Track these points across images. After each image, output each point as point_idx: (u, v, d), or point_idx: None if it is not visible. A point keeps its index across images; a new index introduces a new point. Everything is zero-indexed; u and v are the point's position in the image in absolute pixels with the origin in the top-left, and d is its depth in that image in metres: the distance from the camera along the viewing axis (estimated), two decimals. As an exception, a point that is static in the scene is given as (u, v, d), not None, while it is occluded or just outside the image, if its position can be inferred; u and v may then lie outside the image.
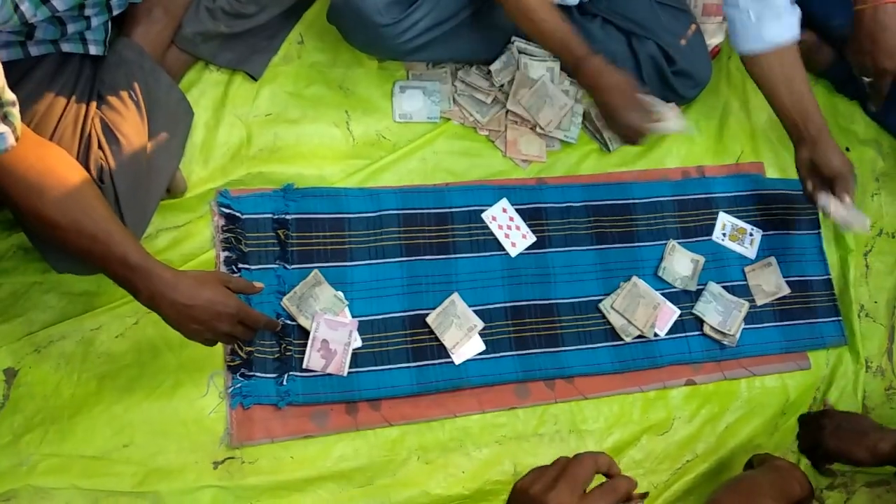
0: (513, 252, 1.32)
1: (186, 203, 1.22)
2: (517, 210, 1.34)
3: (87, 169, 0.99)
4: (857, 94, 1.59)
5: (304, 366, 1.17)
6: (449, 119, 1.39)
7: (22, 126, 0.83)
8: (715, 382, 1.36)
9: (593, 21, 1.41)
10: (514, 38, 1.41)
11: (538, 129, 1.40)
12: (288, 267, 1.21)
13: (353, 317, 1.22)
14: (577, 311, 1.32)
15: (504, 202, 1.34)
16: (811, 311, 1.44)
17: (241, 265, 1.19)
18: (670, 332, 1.34)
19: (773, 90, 1.28)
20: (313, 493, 1.15)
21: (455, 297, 1.26)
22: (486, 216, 1.33)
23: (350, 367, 1.19)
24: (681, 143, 1.49)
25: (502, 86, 1.41)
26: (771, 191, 1.50)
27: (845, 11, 1.35)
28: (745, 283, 1.42)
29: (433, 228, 1.30)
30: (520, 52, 1.41)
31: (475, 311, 1.26)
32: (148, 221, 1.10)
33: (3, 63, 0.82)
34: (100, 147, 1.03)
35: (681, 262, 1.39)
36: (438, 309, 1.25)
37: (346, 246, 1.25)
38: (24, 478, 1.05)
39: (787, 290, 1.42)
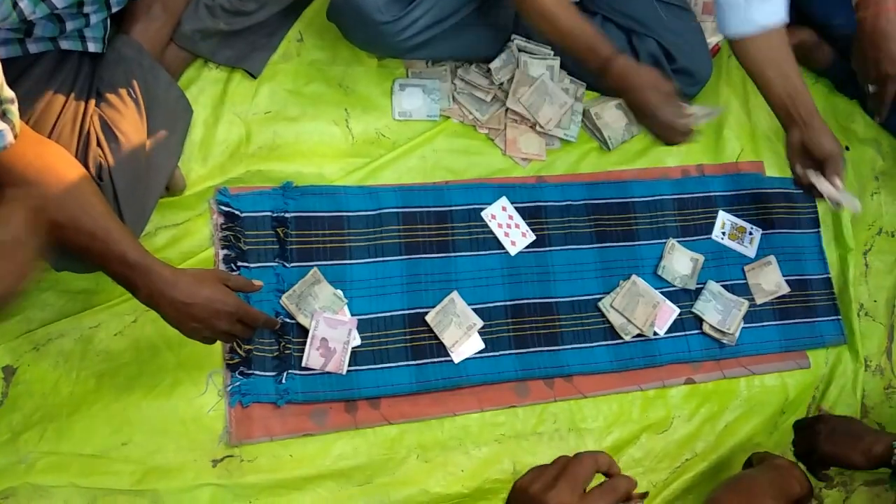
0: (512, 251, 1.32)
1: (185, 201, 1.22)
2: (517, 208, 1.34)
3: (86, 166, 0.98)
4: (857, 93, 1.59)
5: (303, 364, 1.17)
6: (448, 117, 1.39)
7: (21, 123, 0.83)
8: (714, 381, 1.36)
9: (593, 19, 1.41)
10: (513, 37, 1.41)
11: (538, 128, 1.40)
12: (287, 265, 1.21)
13: (353, 315, 1.22)
14: (577, 309, 1.32)
15: (504, 200, 1.34)
16: (811, 310, 1.44)
17: (240, 263, 1.19)
18: (670, 330, 1.34)
19: (763, 73, 1.27)
20: (312, 492, 1.15)
21: (454, 295, 1.26)
22: (485, 214, 1.32)
23: (349, 365, 1.18)
24: (680, 142, 1.49)
25: (502, 84, 1.40)
26: (771, 189, 1.49)
27: (846, 11, 1.35)
28: (744, 281, 1.42)
29: (433, 227, 1.30)
30: (520, 51, 1.41)
31: (474, 310, 1.26)
32: (147, 219, 1.10)
33: (2, 60, 0.81)
34: (98, 145, 1.03)
35: (680, 261, 1.39)
36: (438, 307, 1.25)
37: (346, 244, 1.25)
38: (22, 476, 1.05)
39: (786, 289, 1.42)
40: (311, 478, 1.15)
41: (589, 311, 1.33)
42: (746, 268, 1.43)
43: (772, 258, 1.44)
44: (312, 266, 1.22)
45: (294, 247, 1.22)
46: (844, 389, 1.43)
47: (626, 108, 1.45)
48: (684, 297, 1.37)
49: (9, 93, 0.79)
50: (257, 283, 1.05)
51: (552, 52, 1.42)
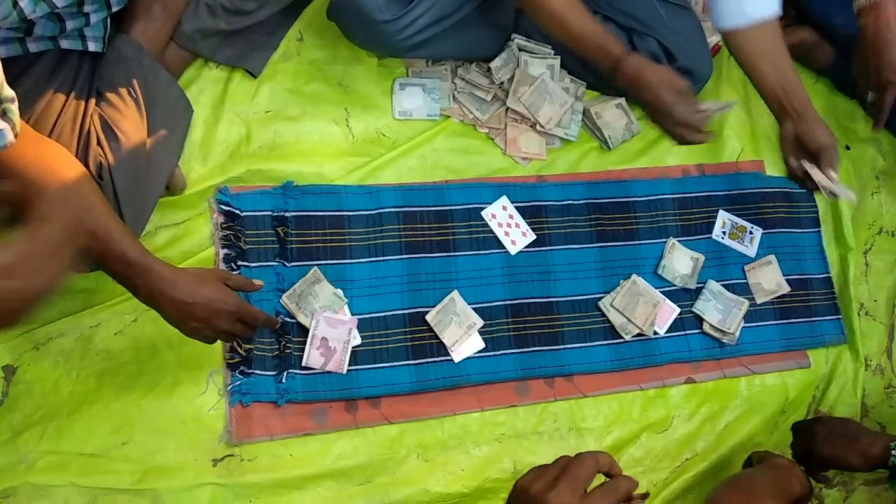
0: (512, 250, 1.32)
1: (185, 200, 1.22)
2: (517, 208, 1.34)
3: (86, 166, 0.98)
4: (857, 93, 1.59)
5: (303, 363, 1.17)
6: (449, 116, 1.39)
7: (21, 123, 0.83)
8: (714, 381, 1.36)
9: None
10: (514, 36, 1.41)
11: (538, 127, 1.39)
12: (287, 264, 1.21)
13: (353, 314, 1.22)
14: (577, 309, 1.32)
15: (504, 200, 1.34)
16: (811, 310, 1.44)
17: (240, 262, 1.19)
18: (670, 330, 1.34)
19: (756, 66, 1.27)
20: (312, 491, 1.15)
21: (455, 294, 1.26)
22: (485, 214, 1.32)
23: (349, 364, 1.18)
24: (681, 141, 1.49)
25: (502, 83, 1.40)
26: (771, 189, 1.49)
27: (846, 10, 1.35)
28: (744, 281, 1.42)
29: (433, 226, 1.30)
30: (520, 50, 1.41)
31: (475, 309, 1.26)
32: (147, 219, 1.10)
33: (2, 60, 0.81)
34: (99, 144, 1.03)
35: (681, 260, 1.39)
36: (438, 307, 1.25)
37: (346, 243, 1.25)
38: (22, 475, 1.05)
39: (786, 289, 1.42)
40: (312, 477, 1.15)
41: (589, 311, 1.33)
42: (747, 267, 1.43)
43: (772, 257, 1.44)
44: (313, 265, 1.22)
45: (294, 246, 1.22)
46: (845, 389, 1.43)
47: (627, 108, 1.46)
48: (684, 296, 1.37)
49: (9, 92, 0.79)
50: (257, 282, 1.05)
51: (552, 52, 1.42)
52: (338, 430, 1.17)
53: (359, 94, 1.36)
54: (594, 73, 1.43)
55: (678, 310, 1.35)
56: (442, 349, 1.23)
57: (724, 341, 1.36)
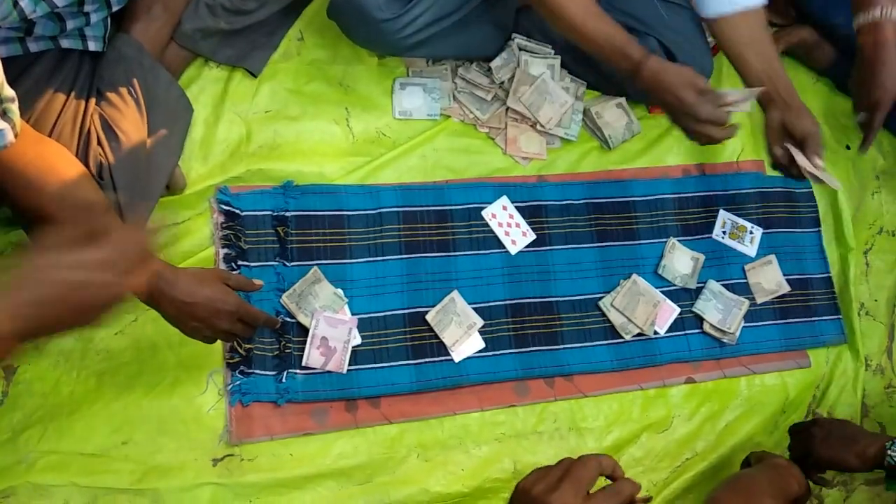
0: (513, 250, 1.32)
1: (186, 200, 1.22)
2: (517, 208, 1.34)
3: (87, 165, 0.98)
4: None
5: (303, 363, 1.17)
6: (449, 116, 1.39)
7: (21, 122, 0.83)
8: (714, 380, 1.36)
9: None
10: (514, 35, 1.41)
11: (538, 127, 1.39)
12: (287, 264, 1.21)
13: (353, 314, 1.21)
14: (577, 308, 1.32)
15: (504, 200, 1.34)
16: (811, 310, 1.44)
17: (240, 262, 1.19)
18: (670, 330, 1.34)
19: (742, 54, 1.27)
20: (313, 491, 1.15)
21: (455, 294, 1.26)
22: (486, 214, 1.32)
23: (349, 364, 1.18)
24: (681, 141, 1.49)
25: (503, 83, 1.40)
26: (771, 188, 1.49)
27: (846, 10, 1.35)
28: (745, 281, 1.42)
29: (433, 226, 1.30)
30: (520, 49, 1.41)
31: (475, 309, 1.26)
32: (147, 218, 1.10)
33: (3, 59, 0.81)
34: (99, 143, 1.03)
35: (681, 260, 1.39)
36: (438, 306, 1.25)
37: (346, 243, 1.25)
38: (22, 475, 1.05)
39: (787, 288, 1.42)
40: (312, 477, 1.15)
41: (589, 311, 1.33)
42: (747, 267, 1.43)
43: (772, 257, 1.44)
44: (313, 265, 1.21)
45: (294, 246, 1.22)
46: (845, 389, 1.43)
47: (627, 108, 1.46)
48: (685, 296, 1.37)
49: (9, 91, 0.79)
50: (258, 282, 1.06)
51: (553, 51, 1.42)
52: (338, 430, 1.17)
53: (359, 94, 1.36)
54: (595, 73, 1.43)
55: (678, 309, 1.35)
56: (442, 349, 1.23)
57: (725, 341, 1.36)
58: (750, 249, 1.44)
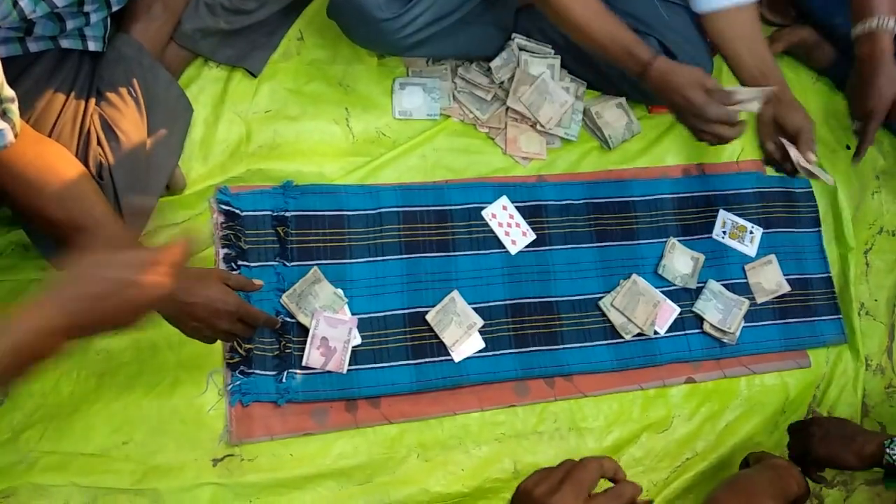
0: (513, 250, 1.32)
1: (185, 200, 1.22)
2: (517, 207, 1.34)
3: (86, 165, 0.98)
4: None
5: (303, 363, 1.17)
6: (449, 116, 1.39)
7: (21, 122, 0.83)
8: (715, 380, 1.36)
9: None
10: (514, 35, 1.41)
11: (538, 127, 1.39)
12: (287, 264, 1.21)
13: (353, 314, 1.21)
14: (577, 308, 1.32)
15: (504, 199, 1.34)
16: (811, 309, 1.44)
17: (240, 262, 1.19)
18: (670, 330, 1.34)
19: (734, 49, 1.28)
20: (313, 491, 1.15)
21: (455, 294, 1.26)
22: (485, 213, 1.32)
23: (349, 364, 1.18)
24: (681, 141, 1.49)
25: (502, 83, 1.40)
26: (771, 188, 1.49)
27: (846, 10, 1.35)
28: (745, 280, 1.42)
29: (433, 226, 1.30)
30: (520, 49, 1.41)
31: (475, 309, 1.26)
32: (147, 218, 1.10)
33: (2, 59, 0.81)
34: (99, 143, 1.03)
35: (681, 260, 1.39)
36: (438, 306, 1.25)
37: (346, 243, 1.25)
38: (23, 475, 1.05)
39: (787, 288, 1.42)
40: (312, 477, 1.15)
41: (589, 311, 1.33)
42: (747, 267, 1.43)
43: (772, 257, 1.44)
44: (313, 265, 1.21)
45: (294, 246, 1.22)
46: (845, 389, 1.43)
47: (627, 107, 1.46)
48: (685, 296, 1.37)
49: (9, 92, 0.79)
50: (258, 282, 1.05)
51: (553, 51, 1.42)
52: (338, 430, 1.17)
53: (359, 94, 1.36)
54: (595, 72, 1.43)
55: (678, 309, 1.35)
56: (442, 349, 1.23)
57: (725, 341, 1.36)
58: (750, 249, 1.44)
